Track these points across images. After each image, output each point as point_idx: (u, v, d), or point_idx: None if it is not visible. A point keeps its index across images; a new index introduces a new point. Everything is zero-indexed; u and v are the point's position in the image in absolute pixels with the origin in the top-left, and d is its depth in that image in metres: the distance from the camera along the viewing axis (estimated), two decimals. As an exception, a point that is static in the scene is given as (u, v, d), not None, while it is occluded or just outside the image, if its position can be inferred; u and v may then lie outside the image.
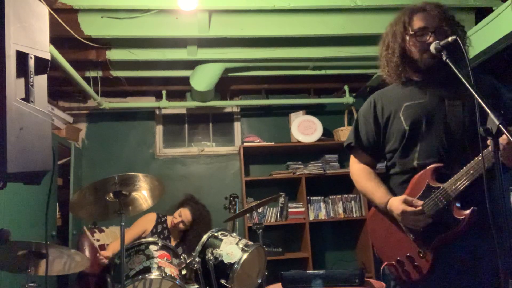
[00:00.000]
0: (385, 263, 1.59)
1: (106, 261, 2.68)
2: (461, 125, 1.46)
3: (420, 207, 1.45)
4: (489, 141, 1.20)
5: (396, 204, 1.50)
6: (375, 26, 3.19)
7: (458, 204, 1.41)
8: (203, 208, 3.28)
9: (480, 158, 1.34)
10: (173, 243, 3.14)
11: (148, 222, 3.12)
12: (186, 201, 3.27)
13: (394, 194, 1.57)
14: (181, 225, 3.13)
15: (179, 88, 4.40)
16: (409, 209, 1.46)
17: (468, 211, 1.38)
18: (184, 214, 3.14)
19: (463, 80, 1.27)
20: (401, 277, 1.53)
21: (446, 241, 1.44)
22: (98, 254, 2.71)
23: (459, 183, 1.39)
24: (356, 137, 1.71)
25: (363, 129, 1.69)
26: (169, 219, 3.21)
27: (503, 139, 1.22)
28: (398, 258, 1.54)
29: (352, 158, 1.78)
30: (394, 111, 1.59)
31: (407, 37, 1.55)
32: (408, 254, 1.51)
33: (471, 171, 1.36)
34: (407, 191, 1.53)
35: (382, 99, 1.66)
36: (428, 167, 1.48)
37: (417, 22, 1.53)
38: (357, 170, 1.73)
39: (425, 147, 1.50)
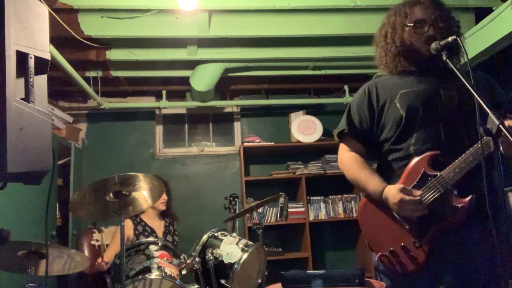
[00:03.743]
0: (378, 254, 1.54)
1: (105, 266, 2.65)
2: (456, 113, 1.46)
3: (419, 197, 1.42)
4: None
5: (393, 192, 1.45)
6: (375, 26, 3.13)
7: (456, 192, 1.39)
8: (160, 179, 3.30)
9: (479, 145, 1.32)
10: (160, 234, 3.11)
11: (126, 229, 3.01)
12: None
13: (389, 182, 1.54)
14: (166, 197, 3.18)
15: (179, 88, 4.40)
16: (407, 198, 1.42)
17: (467, 199, 1.36)
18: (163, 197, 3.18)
19: (463, 80, 1.27)
20: (395, 268, 1.49)
21: (443, 230, 1.41)
22: (99, 259, 2.68)
23: (458, 170, 1.37)
24: (348, 124, 1.67)
25: (356, 116, 1.65)
26: (144, 216, 3.16)
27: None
28: (392, 249, 1.50)
29: (342, 147, 1.72)
30: (389, 98, 1.57)
31: (406, 29, 1.56)
32: (402, 244, 1.47)
33: (470, 158, 1.34)
34: (402, 179, 1.50)
35: (377, 87, 1.63)
36: (424, 154, 1.45)
37: (416, 14, 1.55)
38: (349, 158, 1.67)
39: (421, 133, 1.49)
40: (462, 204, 1.37)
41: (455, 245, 1.42)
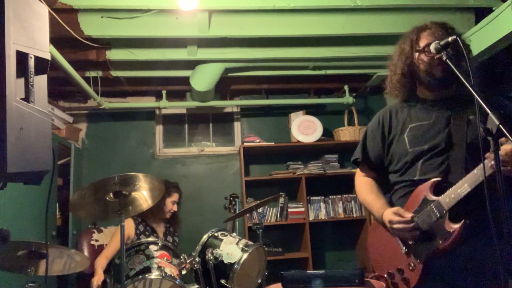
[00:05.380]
0: (375, 273, 1.62)
1: (100, 283, 2.64)
2: (463, 147, 1.48)
3: (408, 217, 1.47)
4: (487, 155, 1.23)
5: (387, 214, 1.54)
6: (375, 26, 3.19)
7: (450, 218, 1.42)
8: (176, 184, 3.35)
9: (475, 172, 1.35)
10: (160, 235, 3.15)
11: (127, 228, 3.05)
12: (172, 188, 3.28)
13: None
14: (175, 208, 3.21)
15: (179, 88, 4.40)
16: (396, 218, 1.49)
17: (458, 225, 1.38)
18: (176, 198, 3.23)
19: (463, 80, 1.27)
20: None
21: (436, 254, 1.44)
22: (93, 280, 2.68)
23: (453, 195, 1.40)
24: (363, 152, 1.76)
25: (371, 145, 1.73)
26: (147, 215, 3.18)
27: (504, 149, 1.24)
28: (390, 271, 1.56)
29: (358, 172, 1.83)
30: (399, 131, 1.62)
31: (416, 54, 1.58)
32: (399, 266, 1.53)
33: (465, 184, 1.37)
34: (405, 205, 1.56)
35: (390, 117, 1.68)
36: (427, 181, 1.49)
37: (424, 39, 1.57)
38: (361, 183, 1.78)
39: (426, 164, 1.52)
40: (454, 230, 1.39)
41: (452, 269, 1.45)
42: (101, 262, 2.79)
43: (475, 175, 1.35)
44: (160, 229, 3.20)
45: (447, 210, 1.41)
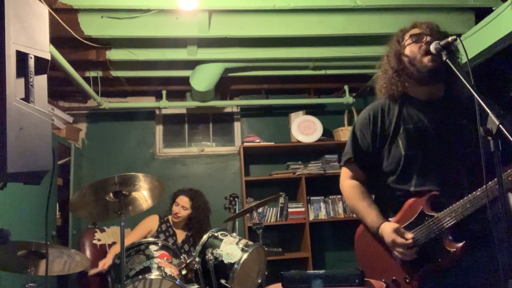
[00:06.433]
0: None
1: (106, 267, 2.71)
2: (458, 152, 1.47)
3: (411, 241, 1.45)
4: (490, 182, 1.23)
5: (388, 231, 1.49)
6: (375, 26, 3.19)
7: (450, 237, 1.41)
8: (197, 192, 3.40)
9: (478, 194, 1.35)
10: (179, 240, 3.23)
11: (152, 223, 3.22)
12: (179, 192, 3.37)
13: (386, 215, 1.58)
14: (182, 212, 3.23)
15: (179, 88, 4.40)
16: (399, 240, 1.46)
17: (460, 244, 1.37)
18: (181, 201, 3.25)
19: (463, 80, 1.27)
20: None
21: (433, 271, 1.44)
22: (101, 262, 2.74)
23: (454, 214, 1.39)
24: (354, 152, 1.69)
25: (360, 144, 1.67)
26: (171, 218, 3.30)
27: None
28: (383, 280, 1.54)
29: (344, 172, 1.75)
30: (392, 132, 1.58)
31: (404, 49, 1.57)
32: (394, 278, 1.52)
33: (468, 205, 1.37)
34: (399, 215, 1.54)
35: (381, 115, 1.63)
36: (424, 194, 1.48)
37: (412, 32, 1.58)
38: (349, 187, 1.71)
39: (422, 173, 1.51)
40: (455, 249, 1.38)
41: (448, 285, 1.44)
42: (116, 250, 2.85)
43: (480, 197, 1.34)
44: (181, 235, 3.28)
45: (447, 229, 1.41)
